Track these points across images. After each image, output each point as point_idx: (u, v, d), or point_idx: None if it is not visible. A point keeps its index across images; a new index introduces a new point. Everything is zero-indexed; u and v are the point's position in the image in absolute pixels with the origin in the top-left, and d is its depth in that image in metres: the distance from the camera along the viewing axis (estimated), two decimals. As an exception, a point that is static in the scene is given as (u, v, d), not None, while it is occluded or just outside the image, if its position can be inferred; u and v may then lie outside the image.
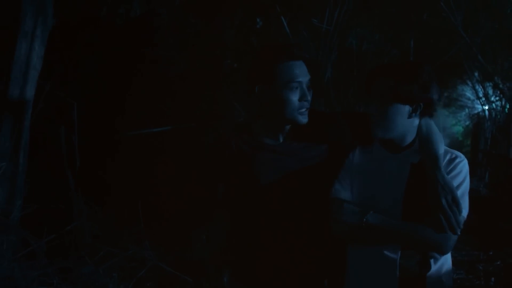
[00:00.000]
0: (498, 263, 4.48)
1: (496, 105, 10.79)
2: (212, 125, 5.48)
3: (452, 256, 1.74)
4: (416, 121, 1.71)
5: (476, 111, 14.61)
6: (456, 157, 1.69)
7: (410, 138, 1.71)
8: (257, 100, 1.82)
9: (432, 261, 1.66)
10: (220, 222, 2.10)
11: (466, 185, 1.66)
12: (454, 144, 22.19)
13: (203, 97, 5.57)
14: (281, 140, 1.88)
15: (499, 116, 10.64)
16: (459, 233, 1.61)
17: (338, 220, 1.70)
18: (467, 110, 15.92)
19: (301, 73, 1.79)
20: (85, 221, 3.37)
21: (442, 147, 1.68)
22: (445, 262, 1.70)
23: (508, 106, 8.87)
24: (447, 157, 1.68)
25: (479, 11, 6.94)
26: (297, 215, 1.83)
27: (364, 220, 1.64)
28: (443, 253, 1.66)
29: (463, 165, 1.68)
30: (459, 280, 4.03)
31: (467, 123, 17.42)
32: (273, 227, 1.85)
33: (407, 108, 1.66)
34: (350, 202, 1.71)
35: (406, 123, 1.68)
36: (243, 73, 2.03)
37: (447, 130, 21.50)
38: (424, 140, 1.70)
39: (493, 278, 4.03)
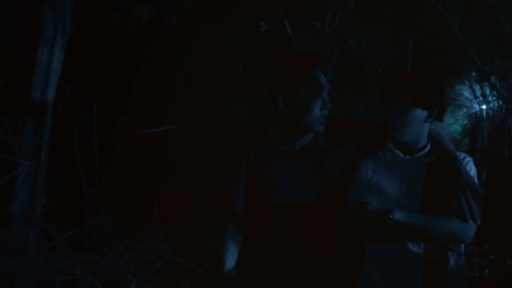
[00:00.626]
0: (492, 256, 4.73)
1: (494, 105, 10.97)
2: (214, 125, 5.71)
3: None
4: (428, 125, 1.85)
5: (473, 111, 14.78)
6: (465, 157, 1.84)
7: (423, 141, 1.84)
8: (277, 108, 1.86)
9: (449, 253, 1.76)
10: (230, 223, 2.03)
11: (476, 181, 1.79)
12: (452, 143, 22.31)
13: (207, 97, 5.80)
14: (297, 147, 1.92)
15: (496, 116, 10.82)
16: (479, 222, 1.71)
17: (361, 222, 1.76)
18: (464, 109, 16.08)
19: (324, 83, 1.86)
20: (104, 216, 3.60)
21: (453, 147, 1.84)
22: (461, 254, 1.81)
23: (504, 106, 9.07)
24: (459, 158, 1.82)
25: (476, 15, 7.16)
26: (313, 219, 1.87)
27: (391, 217, 1.70)
28: (466, 242, 1.76)
29: (472, 165, 1.82)
30: (455, 273, 4.27)
31: (465, 122, 17.59)
32: (289, 232, 1.89)
33: (424, 113, 1.79)
34: (371, 203, 1.78)
35: (421, 127, 1.81)
36: (266, 80, 1.83)
37: (445, 129, 21.72)
38: (437, 141, 1.82)
39: (487, 271, 4.28)
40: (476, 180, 1.77)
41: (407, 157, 1.82)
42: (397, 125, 1.79)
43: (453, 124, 19.37)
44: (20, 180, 3.56)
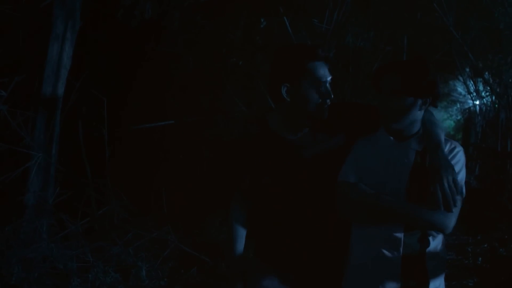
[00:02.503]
0: (485, 246, 4.94)
1: (487, 101, 11.14)
2: (214, 119, 5.86)
3: (445, 240, 1.88)
4: (421, 113, 1.85)
5: (467, 106, 14.99)
6: (455, 147, 1.84)
7: (416, 127, 1.85)
8: (281, 97, 1.90)
9: (430, 238, 1.79)
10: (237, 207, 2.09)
11: (463, 173, 1.81)
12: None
13: (208, 93, 5.95)
14: (299, 134, 1.96)
15: (489, 111, 11.01)
16: (453, 211, 1.72)
17: (347, 201, 1.82)
18: (458, 105, 16.28)
19: (325, 73, 1.90)
20: (115, 207, 3.75)
21: (443, 135, 1.84)
22: (441, 239, 1.83)
23: (497, 102, 9.24)
24: (447, 146, 1.83)
25: (470, 12, 7.33)
26: (315, 205, 1.93)
27: (376, 200, 1.76)
28: (445, 231, 1.77)
29: (461, 155, 1.83)
30: (450, 261, 4.47)
31: (459, 117, 17.80)
32: (292, 217, 1.95)
33: (418, 101, 1.80)
34: (359, 184, 1.82)
35: (416, 114, 1.83)
36: (270, 70, 1.88)
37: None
38: (428, 128, 1.84)
39: (480, 258, 4.48)
40: (462, 169, 1.80)
41: (398, 142, 1.85)
42: (391, 113, 1.82)
43: (447, 119, 19.62)
44: (33, 172, 3.71)
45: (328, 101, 1.90)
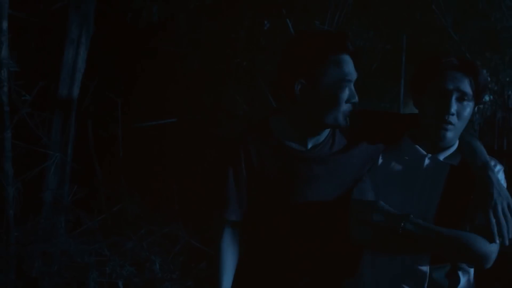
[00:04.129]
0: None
1: (485, 99, 11.39)
2: (218, 118, 6.10)
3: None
4: None
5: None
6: (496, 164, 1.61)
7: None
8: (292, 96, 1.59)
9: (460, 273, 1.57)
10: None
11: (509, 196, 1.55)
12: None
13: (212, 92, 6.18)
14: (309, 145, 1.68)
15: (487, 109, 11.27)
16: (507, 243, 1.52)
17: (362, 223, 1.56)
18: (457, 102, 16.58)
19: (352, 70, 1.60)
20: (128, 204, 3.99)
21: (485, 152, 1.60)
22: (471, 273, 1.62)
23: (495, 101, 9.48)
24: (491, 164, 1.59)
25: (468, 14, 7.56)
26: (322, 228, 1.69)
27: (402, 225, 1.49)
28: (486, 266, 1.55)
29: (502, 174, 1.62)
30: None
31: (457, 115, 18.13)
32: (291, 244, 1.71)
33: (473, 108, 1.59)
34: (380, 203, 1.55)
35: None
36: (279, 64, 1.50)
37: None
38: (468, 141, 1.62)
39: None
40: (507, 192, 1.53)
41: (429, 155, 1.59)
42: (454, 122, 1.54)
43: (445, 116, 19.95)
44: (52, 171, 3.94)
45: (350, 105, 1.60)
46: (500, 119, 8.52)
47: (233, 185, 1.71)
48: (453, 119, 1.52)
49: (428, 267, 1.53)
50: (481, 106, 12.62)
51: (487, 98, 11.02)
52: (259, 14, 6.23)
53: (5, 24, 3.35)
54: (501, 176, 1.60)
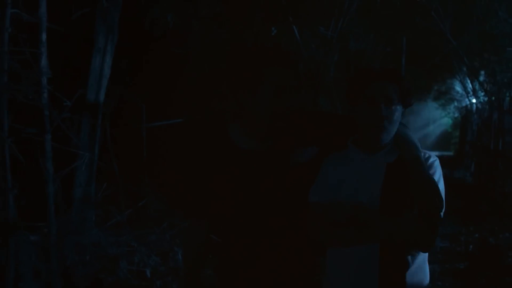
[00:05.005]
0: (476, 235, 5.62)
1: (484, 99, 11.75)
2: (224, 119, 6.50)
3: (440, 232, 1.94)
4: None
5: (464, 104, 15.63)
6: (430, 157, 1.77)
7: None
8: (239, 104, 1.78)
9: (409, 258, 1.70)
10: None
11: (442, 183, 1.72)
12: (444, 135, 23.41)
13: (221, 94, 6.59)
14: (265, 145, 1.82)
15: (484, 110, 11.64)
16: (437, 229, 1.67)
17: (322, 223, 1.72)
18: (455, 103, 16.89)
19: (287, 79, 1.76)
20: (152, 199, 4.39)
21: (419, 146, 1.77)
22: (423, 259, 1.75)
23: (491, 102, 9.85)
24: (423, 157, 1.75)
25: (466, 20, 7.95)
26: (283, 220, 1.80)
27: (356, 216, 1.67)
28: (427, 249, 1.71)
29: (437, 165, 1.75)
30: (444, 248, 5.14)
31: (456, 115, 18.46)
32: (260, 232, 1.81)
33: (401, 111, 1.74)
34: (342, 202, 1.71)
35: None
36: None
37: (437, 122, 22.67)
38: (402, 138, 1.77)
39: (471, 246, 5.15)
40: (440, 180, 1.72)
41: (368, 156, 1.76)
42: (386, 125, 1.71)
43: (445, 117, 20.29)
44: (82, 169, 4.34)
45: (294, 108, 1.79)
46: (496, 120, 8.94)
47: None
48: (385, 122, 1.70)
49: (378, 254, 1.68)
50: (479, 107, 12.94)
51: (482, 99, 11.37)
52: (266, 21, 6.63)
53: (44, 36, 3.70)
54: (435, 168, 1.74)
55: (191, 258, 2.01)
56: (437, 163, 1.76)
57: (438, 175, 1.73)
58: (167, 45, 6.03)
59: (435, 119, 22.23)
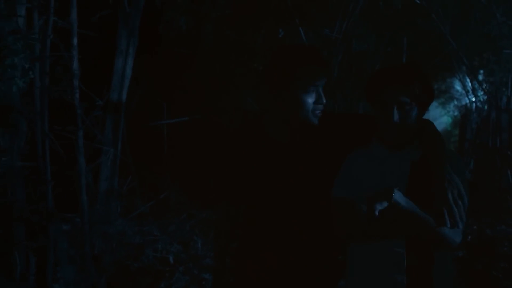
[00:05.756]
0: (474, 227, 6.01)
1: (483, 98, 12.11)
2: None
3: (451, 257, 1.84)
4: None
5: (464, 103, 15.99)
6: (453, 155, 1.80)
7: (412, 136, 1.80)
8: (273, 100, 1.89)
9: (434, 254, 1.74)
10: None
11: (466, 182, 1.74)
12: (444, 134, 23.82)
13: (230, 93, 6.97)
14: (292, 139, 1.93)
15: (485, 107, 12.01)
16: (460, 227, 1.67)
17: (349, 218, 1.75)
18: (455, 101, 17.24)
19: (319, 77, 1.86)
20: (172, 192, 4.77)
21: (445, 145, 1.78)
22: (446, 255, 1.79)
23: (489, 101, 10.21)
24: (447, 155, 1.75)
25: (465, 23, 8.33)
26: (302, 214, 1.89)
27: (393, 194, 1.63)
28: (451, 246, 1.73)
29: (462, 163, 1.80)
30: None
31: (456, 113, 18.83)
32: (279, 225, 1.90)
33: (421, 109, 1.75)
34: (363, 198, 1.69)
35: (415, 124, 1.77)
36: (263, 74, 1.96)
37: (437, 121, 23.08)
38: (428, 137, 1.79)
39: (469, 236, 5.55)
40: (461, 182, 1.71)
41: (393, 153, 1.78)
42: (399, 127, 1.74)
43: (444, 115, 20.66)
44: (108, 164, 4.72)
45: (320, 106, 1.88)
46: (493, 119, 9.32)
47: (225, 172, 2.00)
48: (397, 127, 1.72)
49: (404, 250, 1.70)
50: (480, 106, 13.34)
51: (482, 98, 11.74)
52: (274, 23, 7.02)
53: (75, 41, 4.08)
54: (460, 166, 1.76)
55: (219, 247, 2.08)
56: (461, 162, 1.80)
57: (462, 175, 1.74)
58: (181, 47, 6.41)
59: (435, 117, 22.64)
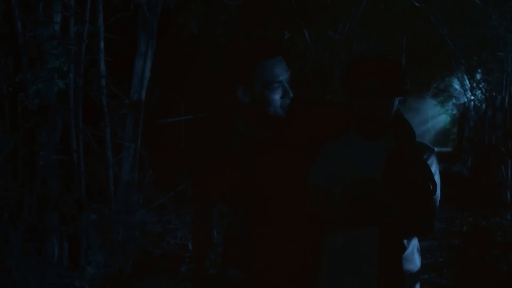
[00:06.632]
0: (470, 219, 6.48)
1: (481, 97, 12.54)
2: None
3: (437, 216, 1.87)
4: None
5: (462, 101, 16.45)
6: (427, 147, 1.84)
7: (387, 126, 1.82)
8: (238, 99, 1.82)
9: (405, 241, 1.78)
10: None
11: (438, 174, 1.80)
12: (442, 131, 24.29)
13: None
14: (262, 133, 1.89)
15: (482, 106, 12.46)
16: (432, 217, 1.74)
17: (323, 204, 1.77)
18: (454, 100, 17.71)
19: (281, 71, 1.79)
20: (189, 185, 5.20)
21: (415, 133, 1.83)
22: (416, 242, 1.83)
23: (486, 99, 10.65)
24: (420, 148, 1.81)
25: (463, 23, 8.76)
26: (284, 207, 1.87)
27: (368, 186, 1.69)
28: (426, 234, 1.78)
29: (433, 157, 1.81)
30: (441, 228, 6.00)
31: (454, 112, 19.31)
32: (264, 221, 1.88)
33: (397, 101, 1.78)
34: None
35: (392, 114, 1.80)
36: (223, 72, 1.92)
37: (436, 119, 23.55)
38: (401, 127, 1.82)
39: (465, 227, 6.01)
40: (436, 172, 1.79)
41: (370, 143, 1.82)
42: (376, 116, 1.75)
43: (443, 113, 21.14)
44: (129, 158, 5.15)
45: (288, 100, 1.83)
46: (490, 117, 9.77)
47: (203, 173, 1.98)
48: (373, 114, 1.75)
49: (377, 239, 1.73)
50: (478, 104, 13.79)
51: (480, 96, 12.19)
52: (280, 26, 7.45)
53: (102, 44, 4.51)
54: (432, 159, 1.82)
55: (199, 243, 2.10)
56: (433, 155, 1.83)
57: (433, 163, 1.80)
58: (193, 48, 6.85)
59: (433, 116, 23.12)
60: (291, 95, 1.81)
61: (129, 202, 5.14)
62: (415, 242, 1.83)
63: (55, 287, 3.96)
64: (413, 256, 1.82)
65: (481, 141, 10.32)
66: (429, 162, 1.78)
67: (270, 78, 1.76)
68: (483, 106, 11.79)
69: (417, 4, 7.93)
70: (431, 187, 1.73)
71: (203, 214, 2.08)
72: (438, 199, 1.79)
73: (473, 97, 13.46)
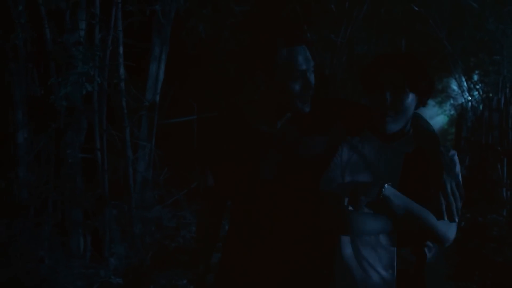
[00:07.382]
0: (468, 215, 6.83)
1: (478, 98, 12.87)
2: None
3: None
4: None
5: (460, 102, 16.80)
6: (450, 150, 1.76)
7: (406, 128, 1.76)
8: (255, 87, 1.77)
9: (426, 249, 1.70)
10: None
11: (460, 176, 1.72)
12: (440, 132, 24.68)
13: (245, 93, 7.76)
14: (278, 126, 1.82)
15: (479, 107, 12.81)
16: (456, 220, 1.64)
17: (338, 211, 1.68)
18: (452, 100, 18.06)
19: (305, 60, 1.72)
20: (202, 182, 5.54)
21: (439, 139, 1.76)
22: (437, 250, 1.74)
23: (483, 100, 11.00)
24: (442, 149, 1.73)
25: (461, 27, 9.12)
26: (293, 207, 1.81)
27: (383, 189, 1.61)
28: (446, 242, 1.68)
29: (457, 158, 1.74)
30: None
31: (452, 112, 19.66)
32: (270, 219, 1.83)
33: (416, 100, 1.71)
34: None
35: (411, 114, 1.74)
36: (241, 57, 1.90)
37: (433, 119, 23.90)
38: (423, 129, 1.76)
39: (463, 223, 6.36)
40: (459, 176, 1.71)
41: (385, 145, 1.75)
42: (392, 114, 1.69)
43: (441, 114, 21.49)
44: (145, 157, 5.48)
45: (308, 93, 1.76)
46: (486, 117, 10.12)
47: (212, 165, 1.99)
48: (390, 112, 1.68)
49: (396, 246, 1.66)
50: (475, 105, 14.16)
51: (477, 97, 12.54)
52: (284, 30, 7.78)
53: (121, 49, 4.83)
54: (455, 161, 1.74)
55: (203, 238, 2.16)
56: (456, 157, 1.75)
57: (458, 168, 1.73)
58: (201, 51, 7.20)
59: (432, 116, 23.46)
60: (312, 87, 1.75)
61: (145, 198, 5.48)
62: (436, 248, 1.75)
63: (82, 276, 4.29)
64: (435, 262, 1.74)
65: (478, 141, 10.71)
66: (452, 163, 1.73)
67: (292, 65, 1.70)
68: (480, 107, 12.13)
69: (416, 8, 8.29)
70: (459, 192, 1.66)
71: (212, 209, 2.09)
72: (463, 198, 1.71)
73: (470, 98, 13.80)
